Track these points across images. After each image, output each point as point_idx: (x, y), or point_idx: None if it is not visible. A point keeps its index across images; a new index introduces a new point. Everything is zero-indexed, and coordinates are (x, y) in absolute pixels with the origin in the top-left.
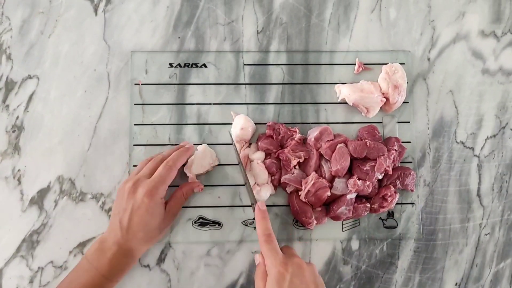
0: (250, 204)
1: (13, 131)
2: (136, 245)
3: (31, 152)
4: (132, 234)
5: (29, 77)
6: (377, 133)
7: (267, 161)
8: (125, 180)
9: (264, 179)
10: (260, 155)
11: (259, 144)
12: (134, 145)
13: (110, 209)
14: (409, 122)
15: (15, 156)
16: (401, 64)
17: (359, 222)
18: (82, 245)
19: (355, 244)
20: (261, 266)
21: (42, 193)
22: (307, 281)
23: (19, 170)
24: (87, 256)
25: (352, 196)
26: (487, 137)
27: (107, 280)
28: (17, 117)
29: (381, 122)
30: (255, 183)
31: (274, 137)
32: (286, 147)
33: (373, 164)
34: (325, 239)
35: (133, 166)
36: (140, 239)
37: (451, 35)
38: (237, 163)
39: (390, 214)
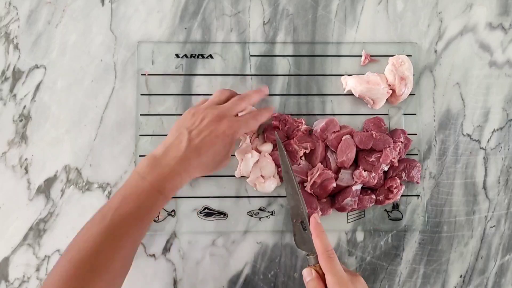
0: (290, 207)
1: (20, 121)
2: (194, 167)
3: (38, 142)
4: (197, 155)
5: (36, 66)
6: (383, 124)
7: (274, 153)
8: (204, 106)
9: (271, 172)
10: (268, 147)
11: (266, 135)
12: (140, 135)
13: None
14: (415, 114)
15: (22, 145)
16: (408, 56)
17: (364, 214)
18: None
19: (360, 236)
20: (316, 282)
21: (49, 182)
22: None
23: (26, 159)
24: (139, 171)
25: (357, 187)
26: (494, 129)
27: (162, 196)
28: (24, 107)
29: (387, 114)
30: (260, 175)
31: (281, 128)
32: (292, 138)
33: (378, 155)
34: (330, 230)
35: (139, 156)
36: (200, 163)
37: (459, 27)
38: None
39: (396, 206)
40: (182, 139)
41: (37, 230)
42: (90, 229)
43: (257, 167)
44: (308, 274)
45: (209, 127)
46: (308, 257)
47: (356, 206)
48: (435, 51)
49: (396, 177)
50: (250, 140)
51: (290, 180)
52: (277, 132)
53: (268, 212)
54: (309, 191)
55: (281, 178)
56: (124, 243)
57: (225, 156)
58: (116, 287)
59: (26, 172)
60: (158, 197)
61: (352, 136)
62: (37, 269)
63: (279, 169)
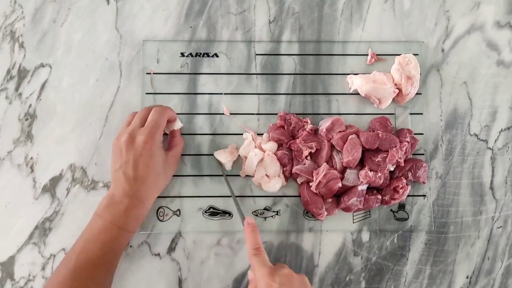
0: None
1: (26, 119)
2: (146, 193)
3: (44, 140)
4: (140, 182)
5: (42, 65)
6: (389, 124)
7: (279, 152)
8: (117, 135)
9: (276, 171)
10: (272, 145)
11: (270, 134)
12: None
13: None
14: (422, 113)
15: (27, 144)
16: (414, 55)
17: (370, 214)
18: None
19: (365, 236)
20: (252, 282)
21: (54, 181)
22: None
23: (31, 158)
24: (99, 213)
25: (363, 187)
26: (501, 129)
27: (124, 231)
28: (30, 105)
29: (393, 114)
30: (265, 174)
31: (286, 127)
32: (298, 138)
33: (385, 155)
34: (336, 230)
35: None
36: (148, 186)
37: (466, 26)
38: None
39: (401, 206)
40: (120, 176)
41: (43, 229)
42: (58, 274)
43: (261, 166)
44: (248, 275)
45: (129, 153)
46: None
47: (361, 206)
48: (442, 50)
49: (402, 177)
50: (253, 138)
51: (229, 186)
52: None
53: (274, 211)
54: (315, 191)
55: (286, 178)
56: (90, 284)
57: (164, 161)
58: None
59: (32, 171)
60: (120, 233)
61: (358, 136)
62: (43, 268)
63: (284, 169)
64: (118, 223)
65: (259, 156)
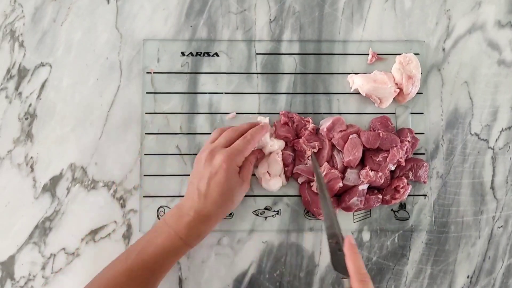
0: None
1: (26, 119)
2: (213, 211)
3: (44, 140)
4: (210, 200)
5: (42, 64)
6: (390, 124)
7: (284, 152)
8: (202, 149)
9: (278, 171)
10: (281, 143)
11: (277, 132)
12: (145, 133)
13: (121, 198)
14: (422, 113)
15: (27, 143)
16: (415, 54)
17: (370, 214)
18: (93, 232)
19: (366, 236)
20: None
21: (55, 180)
22: None
23: (31, 157)
24: (166, 219)
25: (364, 187)
26: (502, 129)
27: (185, 244)
28: (30, 105)
29: (394, 113)
30: (266, 171)
31: (290, 125)
32: (301, 137)
33: (385, 155)
34: None
35: (145, 154)
36: (217, 205)
37: (467, 25)
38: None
39: (402, 206)
40: (193, 190)
41: (43, 229)
42: (113, 267)
43: (265, 163)
44: None
45: (206, 170)
46: (342, 279)
47: (362, 206)
48: (443, 50)
49: (403, 177)
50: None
51: (325, 200)
52: (313, 153)
53: (274, 211)
54: (315, 191)
55: (287, 178)
56: (143, 286)
57: (238, 185)
58: None
59: (32, 170)
60: (182, 245)
61: (359, 136)
62: (43, 268)
63: (286, 169)
64: (180, 233)
65: (275, 147)
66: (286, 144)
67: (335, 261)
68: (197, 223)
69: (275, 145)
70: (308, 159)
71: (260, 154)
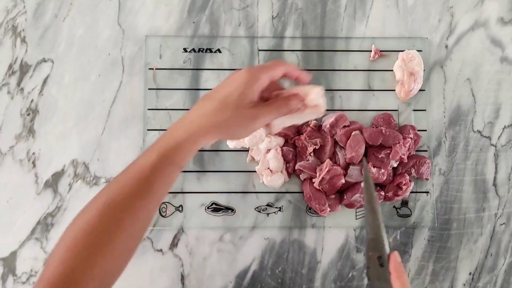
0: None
1: (28, 114)
2: (205, 115)
3: (46, 136)
4: (209, 102)
5: (44, 60)
6: (393, 120)
7: (284, 148)
8: None
9: (279, 167)
10: (280, 140)
11: None
12: (147, 130)
13: None
14: (425, 110)
15: (29, 139)
16: (418, 51)
17: None
18: None
19: None
20: None
21: (57, 176)
22: None
23: (33, 153)
24: (152, 145)
25: None
26: (505, 126)
27: (170, 165)
28: (32, 100)
29: (396, 110)
30: (268, 168)
31: None
32: (302, 133)
33: (388, 151)
34: (338, 227)
35: None
36: (214, 110)
37: (470, 22)
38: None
39: (404, 203)
40: (201, 97)
41: (45, 224)
42: (94, 202)
43: (265, 158)
44: None
45: (225, 80)
46: None
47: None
48: (446, 46)
49: (406, 174)
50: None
51: (373, 212)
52: (364, 159)
53: (276, 208)
54: (318, 187)
55: (289, 174)
56: (125, 220)
57: (244, 106)
58: (122, 262)
59: (34, 166)
60: (167, 168)
61: (361, 132)
62: (45, 263)
63: (287, 165)
64: (164, 151)
65: (273, 143)
66: (286, 141)
67: (374, 275)
68: (193, 132)
69: (273, 142)
70: (310, 155)
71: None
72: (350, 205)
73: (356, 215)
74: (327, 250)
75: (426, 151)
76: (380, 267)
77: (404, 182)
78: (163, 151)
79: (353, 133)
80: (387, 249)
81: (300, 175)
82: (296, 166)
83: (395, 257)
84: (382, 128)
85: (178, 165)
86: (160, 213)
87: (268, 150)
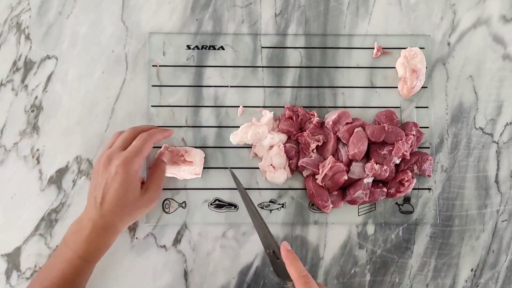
0: (251, 208)
1: (32, 111)
2: (112, 220)
3: (50, 132)
4: (107, 209)
5: (48, 57)
6: (395, 117)
7: (287, 145)
8: (100, 155)
9: (282, 163)
10: (283, 137)
11: (280, 126)
12: None
13: None
14: (427, 107)
15: (34, 135)
16: (420, 48)
17: (375, 207)
18: None
19: (370, 229)
20: None
21: (61, 172)
22: None
23: (38, 150)
24: (65, 239)
25: (369, 180)
26: (507, 123)
27: (84, 261)
28: (36, 97)
29: (399, 107)
30: (271, 164)
31: (294, 119)
32: (305, 130)
33: (390, 148)
34: (341, 223)
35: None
36: (113, 214)
37: (472, 20)
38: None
39: (407, 199)
40: (91, 199)
41: (49, 221)
42: None
43: (268, 155)
44: None
45: (103, 177)
46: (285, 285)
47: (367, 199)
48: (448, 44)
49: (408, 170)
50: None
51: (254, 214)
52: (231, 170)
53: (279, 204)
54: (320, 184)
55: (292, 171)
56: None
57: (138, 191)
58: None
59: (38, 162)
60: (82, 264)
61: (364, 129)
62: None
63: (290, 161)
64: (78, 251)
65: (276, 140)
66: (289, 138)
67: (276, 269)
68: (94, 236)
69: (276, 138)
70: (313, 151)
71: (167, 133)
72: (352, 202)
73: (358, 212)
74: (330, 247)
75: (429, 148)
76: (277, 260)
77: (406, 178)
78: (78, 249)
79: (356, 130)
80: (278, 243)
81: (303, 172)
82: (299, 163)
83: (284, 247)
84: (384, 125)
85: (92, 261)
86: (163, 209)
87: (271, 147)
